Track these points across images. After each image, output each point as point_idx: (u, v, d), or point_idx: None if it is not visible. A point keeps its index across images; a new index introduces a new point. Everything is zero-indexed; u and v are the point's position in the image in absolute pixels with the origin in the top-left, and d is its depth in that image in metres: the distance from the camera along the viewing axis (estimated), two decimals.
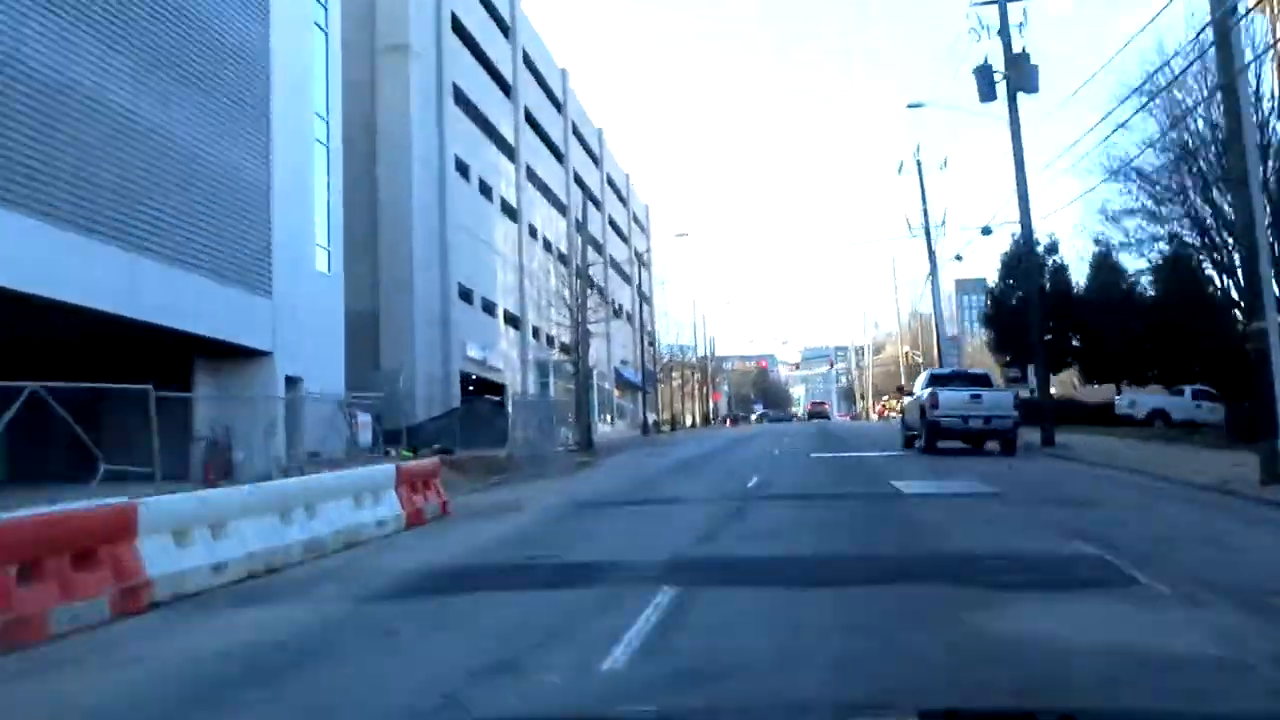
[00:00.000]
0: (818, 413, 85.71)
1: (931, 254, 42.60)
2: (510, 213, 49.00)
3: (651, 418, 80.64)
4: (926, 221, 42.81)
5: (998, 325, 44.53)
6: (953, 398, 23.61)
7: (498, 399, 40.29)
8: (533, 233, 51.37)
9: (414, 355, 34.85)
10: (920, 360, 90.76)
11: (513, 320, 48.67)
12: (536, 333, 50.85)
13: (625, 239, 78.09)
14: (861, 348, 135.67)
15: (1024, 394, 44.39)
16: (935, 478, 16.70)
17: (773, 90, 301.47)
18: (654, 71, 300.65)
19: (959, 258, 38.39)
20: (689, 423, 79.45)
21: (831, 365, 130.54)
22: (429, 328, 36.58)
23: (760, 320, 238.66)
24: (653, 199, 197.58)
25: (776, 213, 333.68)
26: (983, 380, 27.58)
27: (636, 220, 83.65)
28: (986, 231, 37.35)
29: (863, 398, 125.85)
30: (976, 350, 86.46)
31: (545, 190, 55.15)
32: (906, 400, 30.13)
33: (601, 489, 17.44)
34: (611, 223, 72.48)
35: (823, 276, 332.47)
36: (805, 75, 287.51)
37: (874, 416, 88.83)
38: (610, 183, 72.98)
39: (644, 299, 78.86)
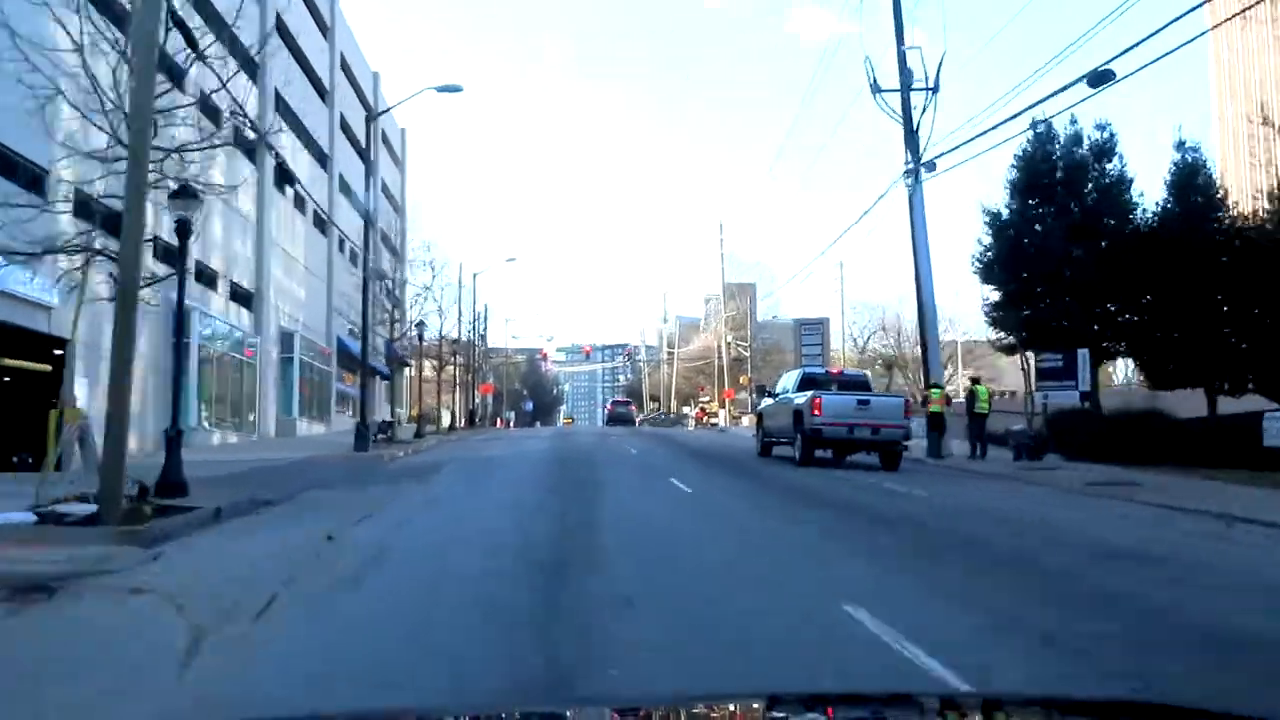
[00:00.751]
0: (621, 415, 65.27)
1: (912, 133, 23.11)
2: None
3: (400, 414, 57.85)
4: (905, 74, 23.28)
5: (1010, 276, 25.61)
6: (838, 403, 20.79)
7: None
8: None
9: None
10: (747, 351, 72.50)
11: (97, 214, 25.26)
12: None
13: (366, 158, 54.92)
14: (651, 346, 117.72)
15: (1064, 400, 25.61)
16: None
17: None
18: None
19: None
20: (447, 423, 57.39)
21: (630, 357, 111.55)
22: None
23: (525, 314, 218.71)
24: (414, 132, 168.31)
25: (559, 196, 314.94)
26: (862, 384, 23.81)
27: (387, 142, 60.52)
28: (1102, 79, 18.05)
29: (654, 400, 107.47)
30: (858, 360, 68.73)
31: None
32: (768, 403, 25.45)
33: None
34: (345, 128, 49.37)
35: (601, 269, 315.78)
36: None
37: (690, 424, 69.59)
38: (346, 69, 49.82)
39: (394, 251, 56.14)
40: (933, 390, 23.86)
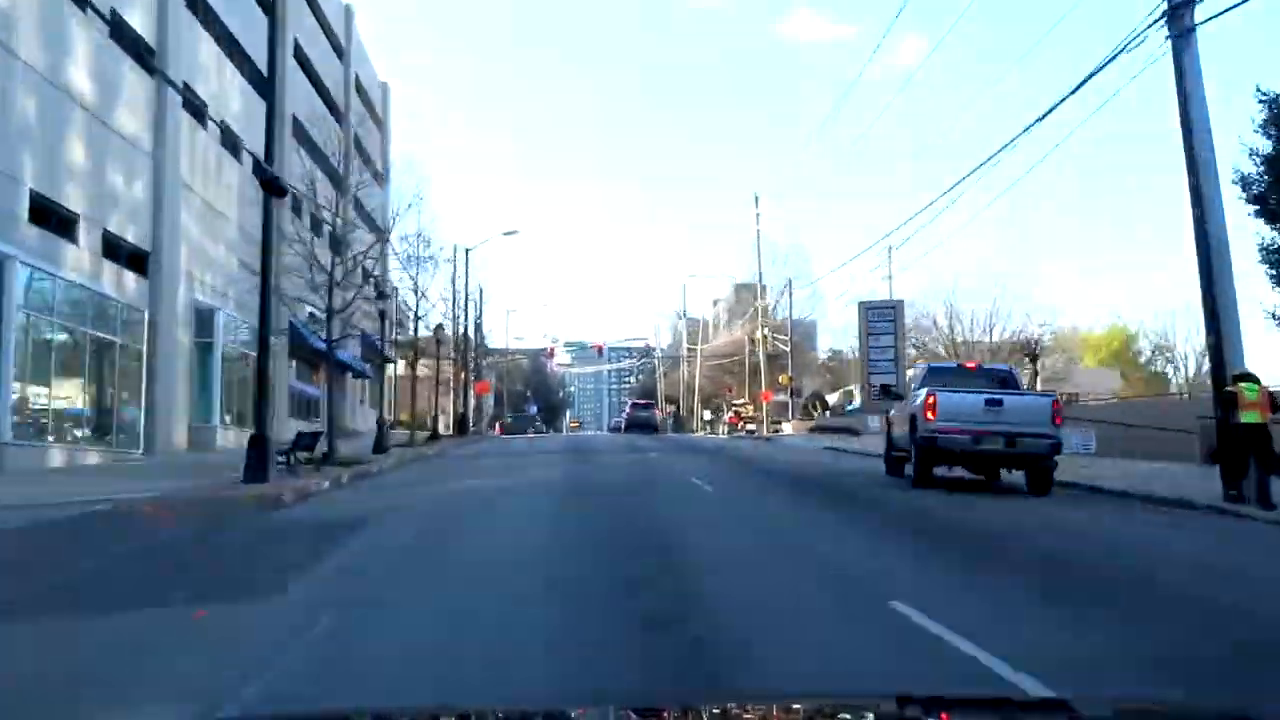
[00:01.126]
0: (642, 420, 55.12)
1: None
2: None
3: (387, 420, 47.52)
4: None
5: None
6: (959, 404, 16.55)
7: None
8: None
9: None
10: (786, 346, 62.26)
11: None
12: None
13: (339, 112, 44.99)
14: (664, 348, 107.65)
15: None
16: None
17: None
18: None
19: None
20: (433, 428, 47.34)
21: (644, 354, 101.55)
22: None
23: (529, 312, 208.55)
24: (402, 92, 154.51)
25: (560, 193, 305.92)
26: (1007, 382, 18.74)
27: (361, 91, 50.62)
28: None
29: (671, 402, 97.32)
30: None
31: None
32: (895, 408, 20.44)
33: None
34: (302, 61, 39.48)
35: (610, 267, 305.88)
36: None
37: (721, 429, 59.50)
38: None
39: (378, 230, 46.04)
40: (1246, 387, 13.57)
